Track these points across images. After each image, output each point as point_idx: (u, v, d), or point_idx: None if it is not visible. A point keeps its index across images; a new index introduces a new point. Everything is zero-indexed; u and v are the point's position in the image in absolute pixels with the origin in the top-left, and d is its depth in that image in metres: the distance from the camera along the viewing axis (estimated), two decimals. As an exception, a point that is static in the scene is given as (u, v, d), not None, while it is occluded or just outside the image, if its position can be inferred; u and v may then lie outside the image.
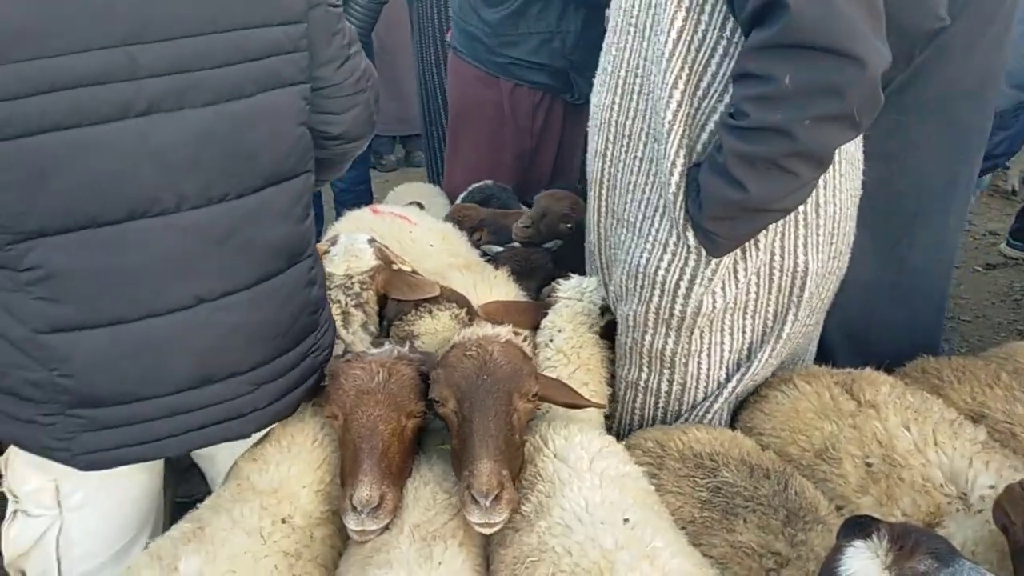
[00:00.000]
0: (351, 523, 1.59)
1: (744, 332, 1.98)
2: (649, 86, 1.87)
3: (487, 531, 1.61)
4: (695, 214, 1.78)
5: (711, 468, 1.77)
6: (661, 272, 1.91)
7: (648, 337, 2.03)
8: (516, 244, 2.97)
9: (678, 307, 1.93)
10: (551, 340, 2.15)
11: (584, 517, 1.54)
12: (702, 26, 1.73)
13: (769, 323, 1.97)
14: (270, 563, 1.53)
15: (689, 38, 1.74)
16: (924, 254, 2.33)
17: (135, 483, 1.71)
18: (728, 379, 2.03)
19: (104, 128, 1.38)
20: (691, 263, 1.87)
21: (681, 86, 1.77)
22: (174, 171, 1.45)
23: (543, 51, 3.38)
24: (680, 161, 1.80)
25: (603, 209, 2.12)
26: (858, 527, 1.39)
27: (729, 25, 1.70)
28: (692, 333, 1.96)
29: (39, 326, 1.45)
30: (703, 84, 1.77)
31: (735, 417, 2.08)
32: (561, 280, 2.34)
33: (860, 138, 1.94)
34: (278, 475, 1.70)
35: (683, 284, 1.89)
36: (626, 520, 1.53)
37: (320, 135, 1.74)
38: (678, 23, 1.74)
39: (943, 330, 2.63)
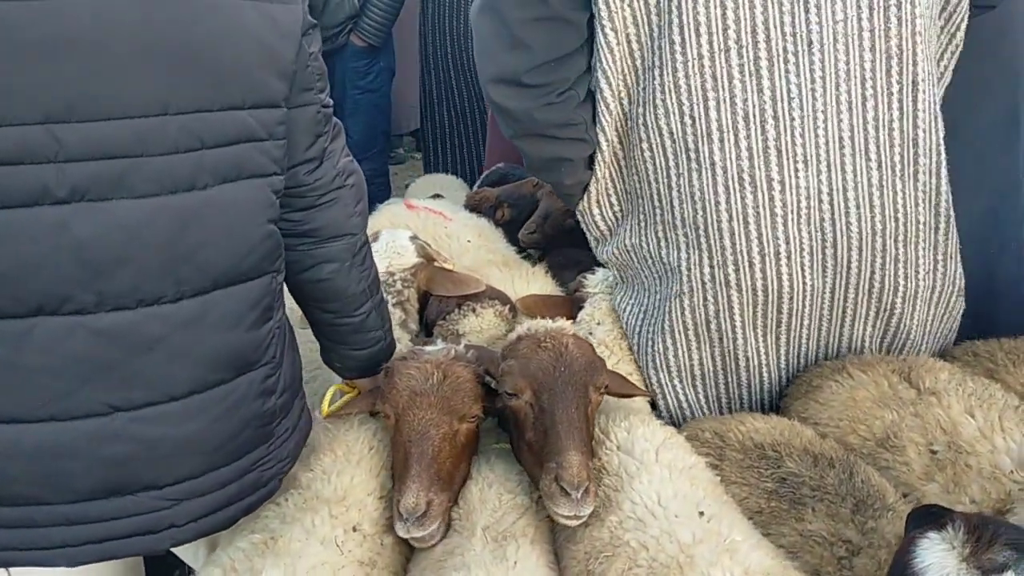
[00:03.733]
0: (399, 531, 1.59)
1: None
2: None
3: (574, 523, 1.60)
4: None
5: (774, 459, 1.77)
6: None
7: None
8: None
9: None
10: (590, 333, 2.15)
11: (657, 511, 1.54)
12: None
13: None
14: (348, 573, 1.51)
15: None
16: None
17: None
18: None
19: (14, 213, 1.23)
20: None
21: None
22: (96, 268, 1.28)
23: None
24: None
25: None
26: (929, 517, 1.37)
27: None
28: None
29: None
30: None
31: (788, 408, 2.08)
32: (587, 275, 2.34)
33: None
34: (341, 484, 1.67)
35: None
36: (701, 513, 1.54)
37: (285, 233, 1.56)
38: None
39: None
